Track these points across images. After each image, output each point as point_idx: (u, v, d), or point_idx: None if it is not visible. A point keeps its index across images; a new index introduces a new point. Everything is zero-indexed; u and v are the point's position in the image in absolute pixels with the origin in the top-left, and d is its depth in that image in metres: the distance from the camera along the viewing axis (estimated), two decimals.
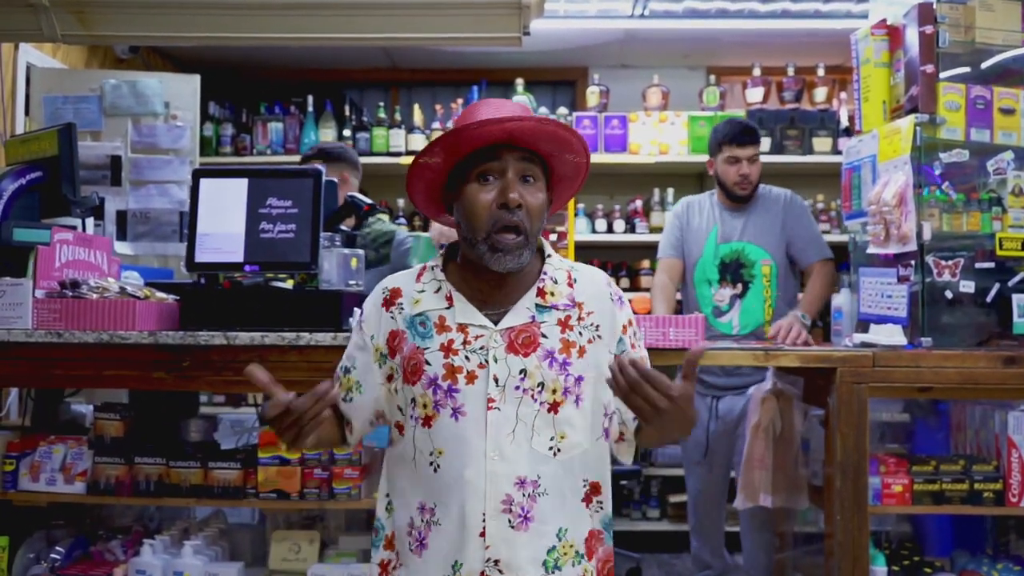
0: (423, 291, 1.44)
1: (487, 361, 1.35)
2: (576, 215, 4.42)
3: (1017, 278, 2.40)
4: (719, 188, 3.15)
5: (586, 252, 4.56)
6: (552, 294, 1.41)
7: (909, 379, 2.22)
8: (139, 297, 2.22)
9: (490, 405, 1.34)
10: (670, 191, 4.48)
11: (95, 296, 2.18)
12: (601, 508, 1.42)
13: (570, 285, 1.43)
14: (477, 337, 1.37)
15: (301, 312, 2.19)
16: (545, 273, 1.43)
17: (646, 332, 2.20)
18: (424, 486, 1.37)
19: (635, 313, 2.38)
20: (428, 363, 1.37)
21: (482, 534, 1.33)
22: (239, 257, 2.25)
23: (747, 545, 3.10)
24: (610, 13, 4.21)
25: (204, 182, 2.30)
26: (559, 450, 1.36)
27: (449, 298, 1.41)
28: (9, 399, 2.97)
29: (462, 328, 1.38)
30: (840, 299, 2.82)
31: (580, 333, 1.40)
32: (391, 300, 1.45)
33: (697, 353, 1.27)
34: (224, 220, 2.27)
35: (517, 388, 1.35)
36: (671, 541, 4.28)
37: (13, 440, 2.37)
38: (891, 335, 2.32)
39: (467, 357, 1.36)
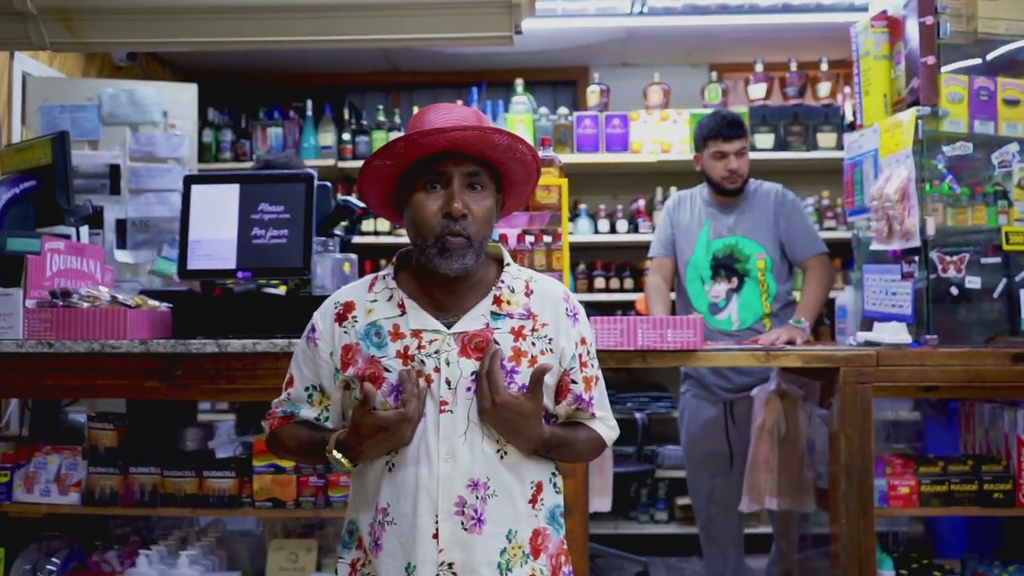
0: (375, 300, 1.44)
1: (440, 364, 1.37)
2: (578, 215, 4.38)
3: None
4: (707, 183, 3.08)
5: (589, 253, 4.52)
6: (508, 302, 1.42)
7: (914, 378, 2.18)
8: (130, 306, 2.20)
9: (442, 408, 1.36)
10: (673, 190, 4.40)
11: (86, 305, 2.16)
12: (543, 505, 1.43)
13: (527, 295, 1.44)
14: (431, 341, 1.38)
15: (295, 318, 2.15)
16: (502, 281, 1.44)
17: (644, 334, 2.17)
18: (381, 487, 1.38)
19: (640, 314, 2.36)
20: (388, 370, 1.38)
21: (435, 536, 1.33)
22: (231, 263, 2.22)
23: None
24: (609, 11, 4.16)
25: (196, 188, 2.28)
26: (505, 453, 1.38)
27: (401, 305, 1.41)
28: (9, 409, 2.95)
29: (416, 334, 1.39)
30: (844, 297, 2.78)
31: (533, 344, 1.41)
32: (344, 315, 1.44)
33: (541, 370, 1.35)
34: (216, 226, 2.25)
35: (468, 390, 1.36)
36: (679, 544, 4.23)
37: (7, 451, 2.36)
38: (896, 333, 2.27)
39: (423, 361, 1.37)
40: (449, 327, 1.39)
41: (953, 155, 2.39)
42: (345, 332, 1.43)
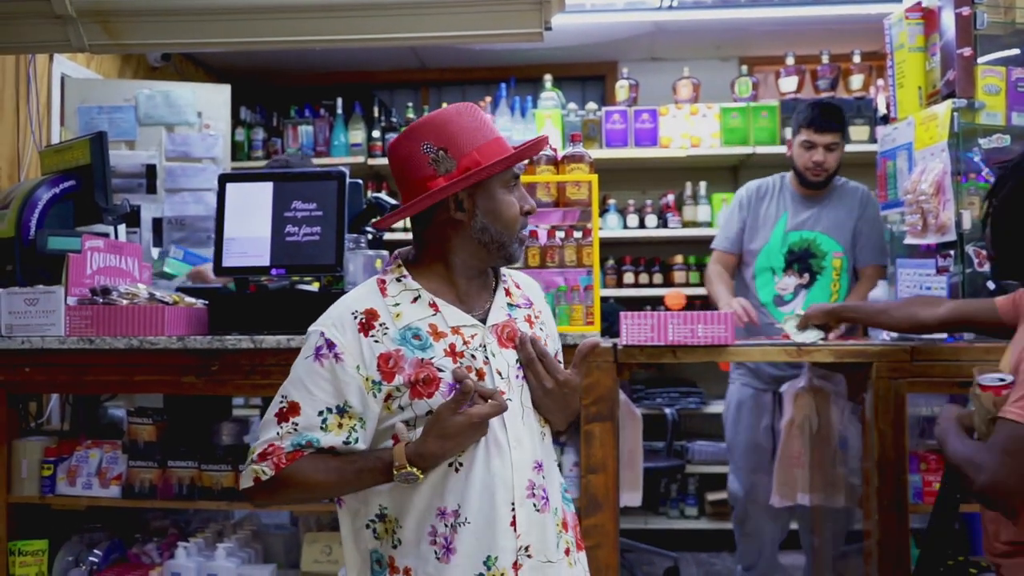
0: (398, 304, 1.40)
1: (488, 357, 1.41)
2: (607, 211, 4.38)
3: None
4: (792, 171, 3.00)
5: (618, 248, 4.52)
6: (514, 295, 1.51)
7: (949, 373, 2.15)
8: (168, 303, 2.24)
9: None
10: (702, 185, 4.41)
11: (125, 302, 2.21)
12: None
13: (518, 287, 1.54)
14: (473, 336, 1.41)
15: None
16: (506, 276, 1.53)
17: (674, 329, 2.17)
18: (447, 490, 1.35)
19: (668, 309, 2.36)
20: (441, 370, 1.36)
21: (512, 523, 1.36)
22: (265, 261, 2.26)
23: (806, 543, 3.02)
24: (638, 5, 4.14)
25: (230, 187, 2.32)
26: (544, 434, 1.47)
27: (433, 305, 1.42)
28: (50, 405, 3.03)
29: (456, 331, 1.41)
30: (877, 292, 2.74)
31: (540, 329, 1.51)
32: (369, 323, 1.37)
33: (590, 345, 1.45)
34: (250, 224, 2.28)
35: (517, 377, 1.43)
36: (710, 540, 4.22)
37: (51, 445, 2.41)
38: None
39: (472, 355, 1.40)
40: (483, 321, 1.43)
41: (990, 148, 2.36)
42: (376, 341, 1.36)
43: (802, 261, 2.94)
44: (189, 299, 2.32)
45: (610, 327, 2.84)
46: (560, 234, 2.35)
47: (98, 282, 2.33)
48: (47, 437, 2.51)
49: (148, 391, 2.41)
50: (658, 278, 4.47)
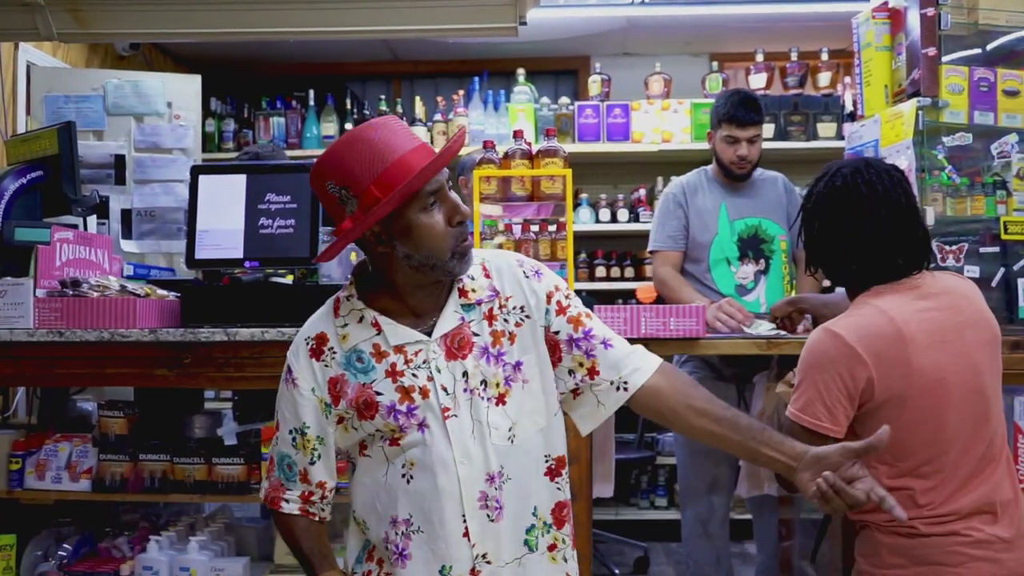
0: (346, 325, 1.43)
1: (432, 373, 1.38)
2: (579, 205, 4.40)
3: (1022, 262, 2.38)
4: (716, 164, 2.97)
5: (589, 242, 4.55)
6: (473, 291, 1.44)
7: None
8: (140, 295, 2.22)
9: (446, 415, 1.38)
10: (673, 179, 4.45)
11: (96, 294, 2.19)
12: (570, 477, 1.48)
13: (487, 276, 1.46)
14: (417, 353, 1.39)
15: (302, 307, 2.17)
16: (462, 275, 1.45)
17: (647, 321, 2.20)
18: (399, 499, 1.40)
19: (639, 303, 2.39)
20: (380, 394, 1.39)
21: (465, 534, 1.37)
22: (239, 253, 2.25)
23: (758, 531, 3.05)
24: (611, 1, 4.18)
25: (203, 179, 2.30)
26: (515, 436, 1.40)
27: (376, 324, 1.41)
28: (16, 398, 2.98)
29: (399, 349, 1.40)
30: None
31: (505, 320, 1.43)
32: (319, 349, 1.43)
33: (883, 438, 1.35)
34: (223, 216, 2.27)
35: (465, 391, 1.39)
36: (679, 530, 4.27)
37: (19, 439, 2.39)
38: None
39: (414, 375, 1.39)
40: (429, 333, 1.40)
41: (953, 145, 2.42)
42: (326, 365, 1.41)
43: (754, 247, 2.93)
44: (161, 291, 2.30)
45: None
46: (534, 228, 2.37)
47: (67, 274, 2.30)
48: (14, 430, 2.48)
49: (120, 384, 2.39)
50: (629, 272, 4.51)
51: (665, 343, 2.23)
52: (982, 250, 2.40)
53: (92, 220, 2.70)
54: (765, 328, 2.37)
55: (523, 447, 1.41)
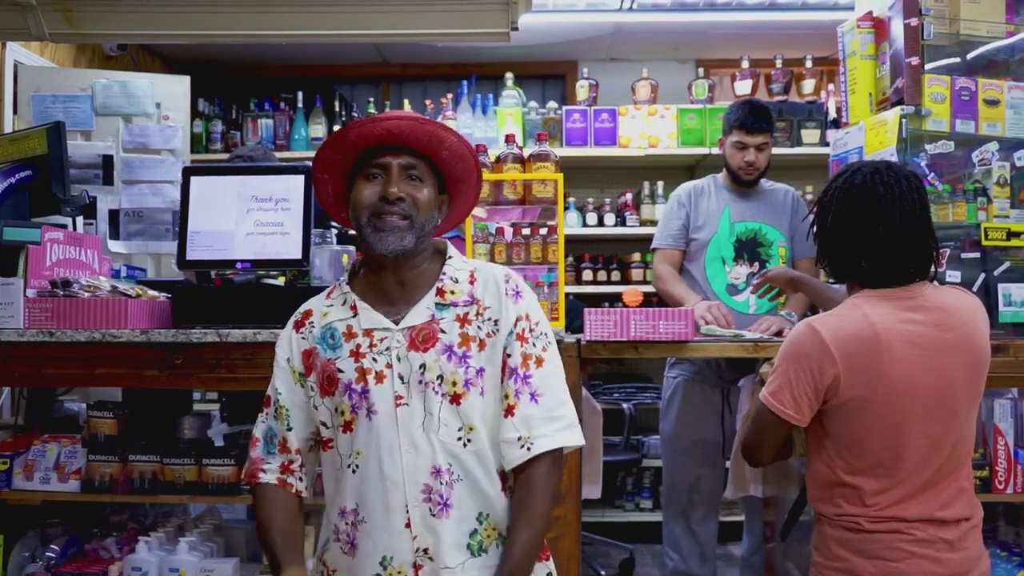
0: (331, 305, 1.52)
1: (392, 361, 1.43)
2: (566, 208, 4.43)
3: (1002, 268, 2.42)
4: (725, 169, 3.07)
5: (577, 246, 4.58)
6: (452, 292, 1.48)
7: None
8: (131, 295, 2.22)
9: (398, 402, 1.41)
10: (660, 184, 4.50)
11: (86, 295, 2.19)
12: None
13: (472, 282, 1.50)
14: (382, 339, 1.44)
15: (293, 309, 2.18)
16: (444, 274, 1.50)
17: (636, 325, 2.22)
18: (348, 490, 1.43)
19: (626, 306, 2.41)
20: (341, 371, 1.44)
21: (407, 525, 1.39)
22: (230, 254, 2.25)
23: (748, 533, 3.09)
24: (599, 7, 4.21)
25: (195, 180, 2.31)
26: (469, 441, 1.42)
27: (354, 307, 1.48)
28: (1, 398, 2.96)
29: (367, 333, 1.45)
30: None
31: (479, 327, 1.46)
32: (302, 321, 1.53)
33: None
34: (215, 218, 2.27)
35: (420, 382, 1.42)
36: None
37: (6, 439, 2.38)
38: None
39: (374, 359, 1.43)
40: (397, 323, 1.45)
41: (935, 153, 2.47)
42: (303, 338, 1.51)
43: (750, 250, 3.00)
44: (152, 292, 2.30)
45: (571, 323, 2.88)
46: (525, 231, 2.39)
47: (57, 274, 2.29)
48: (1, 432, 2.47)
49: (110, 384, 2.39)
50: (616, 275, 4.54)
51: (655, 345, 2.26)
52: (963, 256, 2.44)
53: (80, 220, 2.69)
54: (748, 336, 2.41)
55: (477, 455, 1.43)
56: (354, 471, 1.42)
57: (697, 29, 4.47)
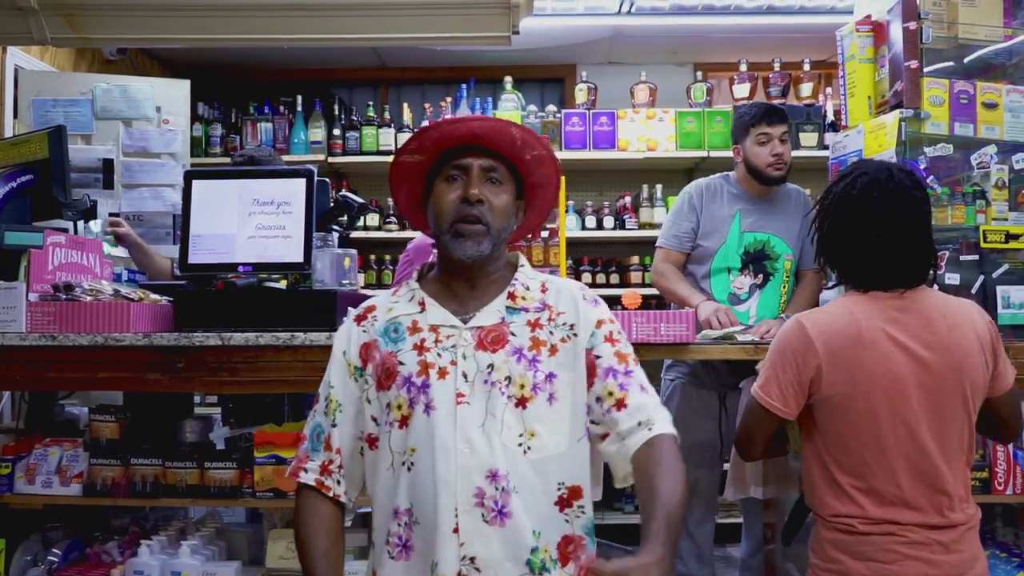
0: (397, 301, 1.50)
1: (457, 358, 1.39)
2: (566, 211, 4.43)
3: (1001, 270, 2.43)
4: (747, 173, 2.96)
5: (576, 248, 4.59)
6: (523, 298, 1.46)
7: None
8: (133, 299, 2.23)
9: (459, 399, 1.37)
10: (659, 187, 4.51)
11: (89, 298, 2.19)
12: (583, 513, 1.40)
13: (543, 292, 1.48)
14: (448, 336, 1.41)
15: (295, 312, 2.20)
16: (516, 280, 1.48)
17: (638, 328, 2.23)
18: (401, 489, 1.38)
19: (625, 309, 2.42)
20: (402, 363, 1.42)
21: (455, 530, 1.32)
22: (232, 258, 2.25)
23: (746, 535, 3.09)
24: (597, 10, 4.23)
25: (197, 183, 2.31)
26: (529, 448, 1.36)
27: (422, 303, 1.47)
28: (2, 402, 2.96)
29: (434, 328, 1.43)
30: (828, 294, 2.85)
31: (551, 332, 1.43)
32: (364, 315, 1.51)
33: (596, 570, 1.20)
34: (217, 221, 2.27)
35: (485, 382, 1.38)
36: None
37: (8, 443, 2.38)
38: None
39: (439, 354, 1.40)
40: (466, 322, 1.42)
41: (934, 156, 2.48)
42: (364, 331, 1.48)
43: (757, 262, 2.97)
44: (154, 296, 2.30)
45: None
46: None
47: (60, 278, 2.30)
48: (3, 435, 2.47)
49: (112, 388, 2.39)
50: (615, 278, 4.55)
51: (655, 348, 2.26)
52: (962, 258, 2.45)
53: (80, 224, 2.69)
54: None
55: (536, 465, 1.36)
56: (408, 469, 1.37)
57: (695, 32, 4.49)
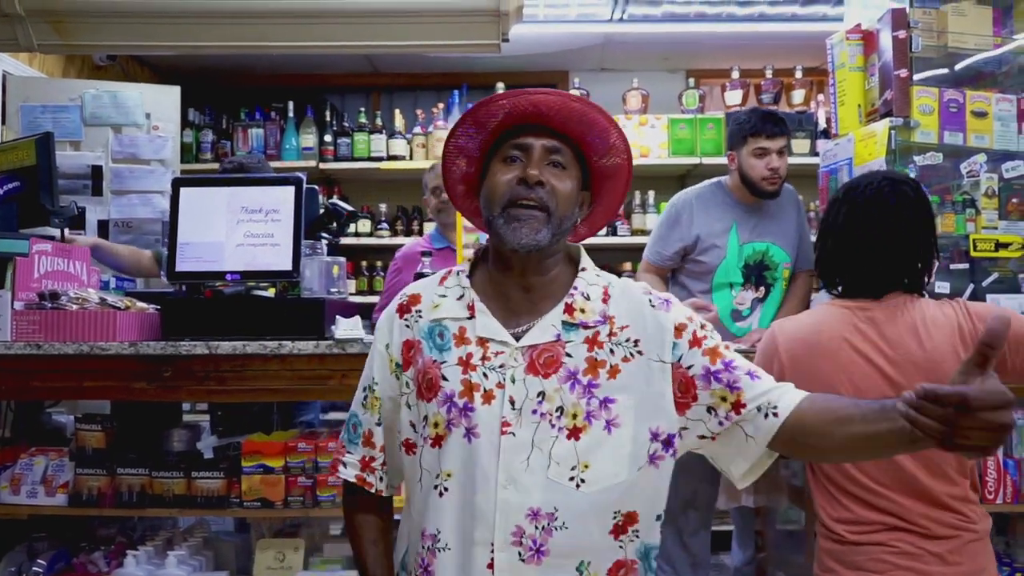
0: (444, 296, 1.35)
1: (505, 381, 1.25)
2: None
3: (990, 279, 2.44)
4: (740, 182, 2.86)
5: None
6: (582, 311, 1.29)
7: None
8: (119, 307, 2.21)
9: (504, 429, 1.24)
10: (651, 194, 4.51)
11: (75, 307, 2.17)
12: (637, 537, 1.27)
13: (604, 301, 1.31)
14: (497, 354, 1.27)
15: (283, 320, 2.19)
16: (575, 288, 1.31)
17: None
18: (429, 511, 1.28)
19: None
20: (445, 378, 1.28)
21: (490, 566, 1.22)
22: (220, 266, 2.24)
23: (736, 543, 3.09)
24: (590, 17, 4.23)
25: (184, 191, 2.30)
26: (583, 481, 1.23)
27: (471, 308, 1.31)
28: None
29: (482, 342, 1.28)
30: (820, 299, 2.85)
31: (611, 351, 1.27)
32: (407, 307, 1.36)
33: (1004, 323, 0.98)
34: (205, 229, 2.26)
35: (535, 412, 1.24)
36: (659, 544, 4.29)
37: None
38: None
39: (485, 374, 1.26)
40: (518, 338, 1.28)
41: (924, 164, 2.48)
42: (407, 326, 1.35)
43: (757, 274, 2.90)
44: (141, 304, 2.28)
45: None
46: None
47: (46, 286, 2.28)
48: None
49: (98, 397, 2.37)
50: None
51: None
52: (952, 267, 2.46)
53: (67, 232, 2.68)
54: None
55: (590, 498, 1.23)
56: (441, 494, 1.26)
57: (687, 39, 4.50)
